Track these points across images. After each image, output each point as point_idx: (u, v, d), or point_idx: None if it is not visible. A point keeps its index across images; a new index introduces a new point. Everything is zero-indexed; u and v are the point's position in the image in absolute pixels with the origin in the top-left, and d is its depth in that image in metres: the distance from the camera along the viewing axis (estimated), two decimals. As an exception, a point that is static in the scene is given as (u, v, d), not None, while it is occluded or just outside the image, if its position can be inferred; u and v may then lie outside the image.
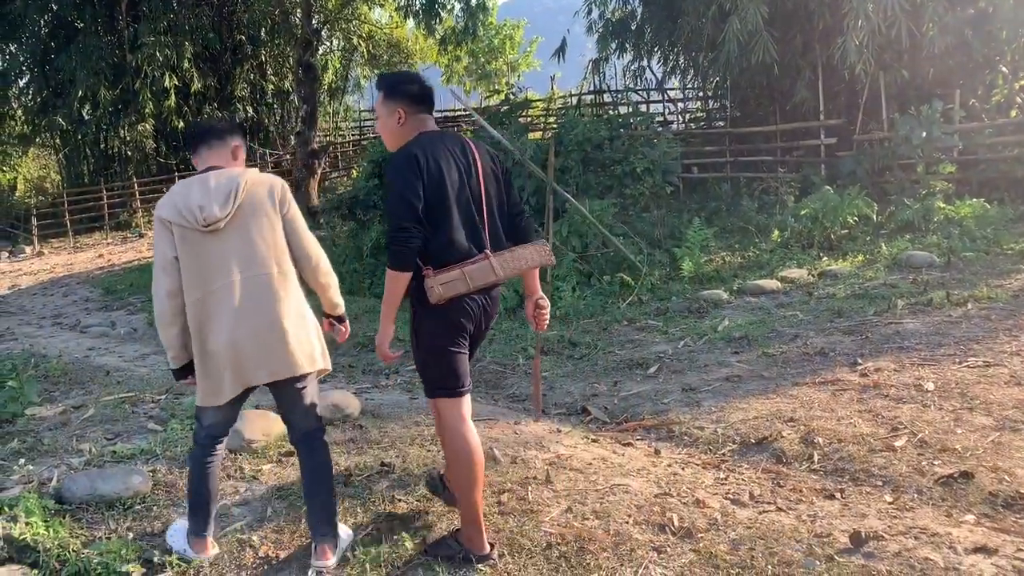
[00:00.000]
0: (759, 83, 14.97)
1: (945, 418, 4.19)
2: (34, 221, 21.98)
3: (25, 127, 24.51)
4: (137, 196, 23.24)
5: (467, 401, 3.01)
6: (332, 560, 2.97)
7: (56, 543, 3.15)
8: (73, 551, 3.09)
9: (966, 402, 4.38)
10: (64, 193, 23.53)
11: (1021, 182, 10.90)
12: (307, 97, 19.16)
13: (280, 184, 3.07)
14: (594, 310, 8.51)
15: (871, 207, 10.43)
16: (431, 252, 2.80)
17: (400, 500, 3.50)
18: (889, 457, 3.78)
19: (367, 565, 2.94)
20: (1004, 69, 12.72)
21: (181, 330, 2.96)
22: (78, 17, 22.91)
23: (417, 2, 18.49)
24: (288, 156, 25.46)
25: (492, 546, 2.99)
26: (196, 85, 22.85)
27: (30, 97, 24.10)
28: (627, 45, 18.36)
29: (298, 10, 20.87)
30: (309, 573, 2.97)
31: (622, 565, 2.87)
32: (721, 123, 17.61)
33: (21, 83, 24.15)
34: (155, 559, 3.09)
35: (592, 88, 20.57)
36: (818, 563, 2.84)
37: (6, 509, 3.42)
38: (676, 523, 3.17)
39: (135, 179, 23.42)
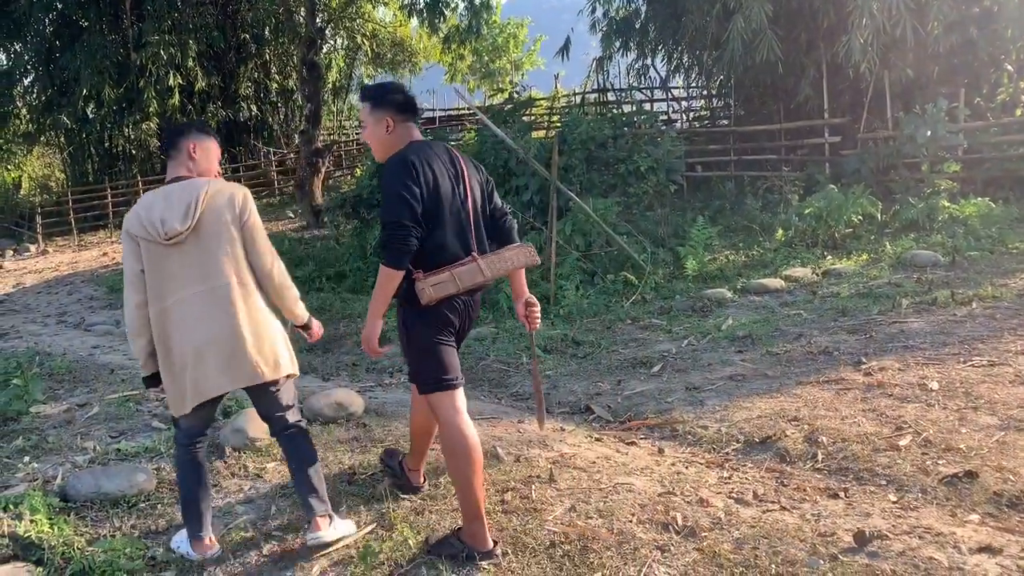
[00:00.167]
0: (763, 81, 14.94)
1: (949, 417, 4.18)
2: (39, 219, 22.01)
3: (30, 126, 24.53)
4: (141, 195, 23.17)
5: (461, 395, 3.05)
6: (325, 532, 3.04)
7: (61, 541, 3.16)
8: (77, 549, 3.11)
9: (971, 401, 4.37)
10: (68, 192, 23.57)
11: (1026, 181, 10.89)
12: (311, 96, 19.16)
13: (242, 194, 3.10)
14: (598, 309, 8.51)
15: (875, 206, 10.41)
16: (423, 255, 2.90)
17: (404, 498, 3.50)
18: (893, 456, 3.78)
19: (370, 563, 2.94)
20: (1009, 67, 12.70)
21: (148, 341, 3.03)
22: (83, 16, 22.94)
23: (421, 0, 18.46)
24: (292, 155, 25.49)
25: (495, 543, 3.00)
26: (200, 84, 22.86)
27: (35, 96, 24.12)
28: (631, 43, 18.35)
29: (302, 9, 20.83)
30: (307, 543, 3.05)
31: (626, 564, 2.87)
32: (725, 121, 17.59)
33: (26, 82, 24.17)
34: (159, 557, 3.10)
35: (596, 86, 20.55)
36: (822, 562, 2.83)
37: (11, 507, 3.43)
38: (680, 522, 3.17)
39: (139, 178, 23.43)
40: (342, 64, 26.82)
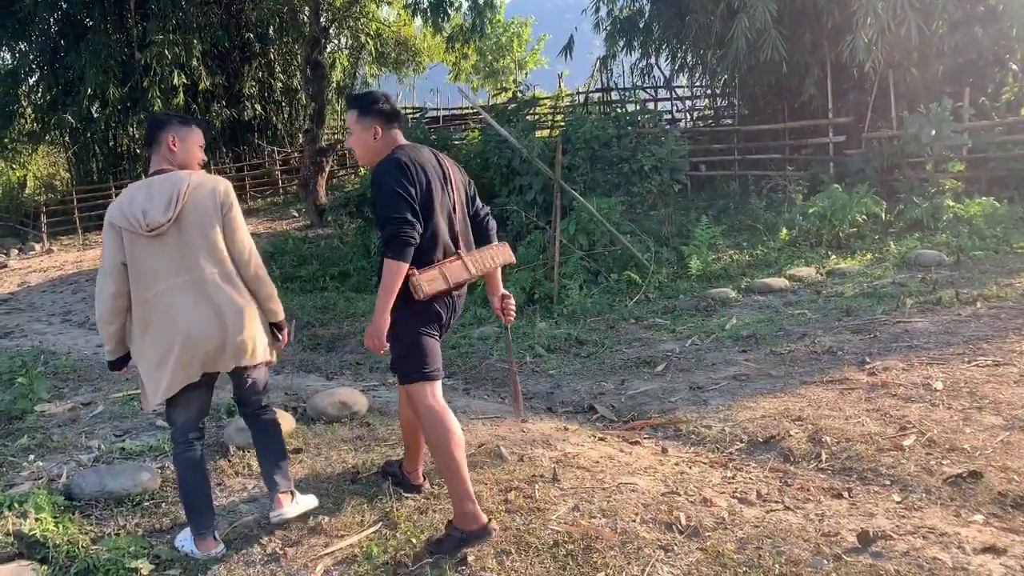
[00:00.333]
0: (767, 81, 14.91)
1: (954, 417, 4.17)
2: (43, 219, 22.04)
3: (35, 125, 24.58)
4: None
5: (439, 387, 3.18)
6: (288, 508, 3.21)
7: (65, 539, 3.17)
8: (82, 547, 3.12)
9: (975, 401, 4.37)
10: (73, 191, 23.60)
11: (1031, 181, 10.86)
12: (315, 95, 19.16)
13: (224, 187, 3.19)
14: (601, 308, 8.50)
15: (880, 205, 10.39)
16: (417, 252, 3.00)
17: (407, 497, 3.50)
18: (897, 456, 3.77)
19: (374, 563, 2.95)
20: (1015, 67, 12.66)
21: (119, 327, 3.12)
22: (87, 15, 22.96)
23: (425, 0, 18.45)
24: (296, 154, 25.50)
25: (489, 519, 3.09)
26: (204, 83, 22.88)
27: (40, 95, 24.16)
28: (635, 43, 18.32)
29: (306, 8, 20.84)
30: (271, 520, 3.21)
31: (629, 563, 2.87)
32: (729, 121, 17.58)
33: (31, 81, 24.19)
34: (164, 555, 3.10)
35: (600, 86, 20.53)
36: (826, 562, 2.83)
37: (16, 505, 3.44)
38: (683, 522, 3.17)
39: (144, 177, 23.46)
40: (346, 63, 26.81)
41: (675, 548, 2.97)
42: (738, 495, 3.48)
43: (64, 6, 22.91)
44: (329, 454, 4.15)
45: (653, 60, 19.17)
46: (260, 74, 26.26)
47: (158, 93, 21.48)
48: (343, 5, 23.09)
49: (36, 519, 3.28)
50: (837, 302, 7.31)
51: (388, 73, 27.55)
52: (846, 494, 3.45)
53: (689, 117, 20.18)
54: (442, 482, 3.63)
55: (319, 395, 5.05)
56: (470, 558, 2.93)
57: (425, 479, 3.62)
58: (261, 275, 3.24)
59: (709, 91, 19.77)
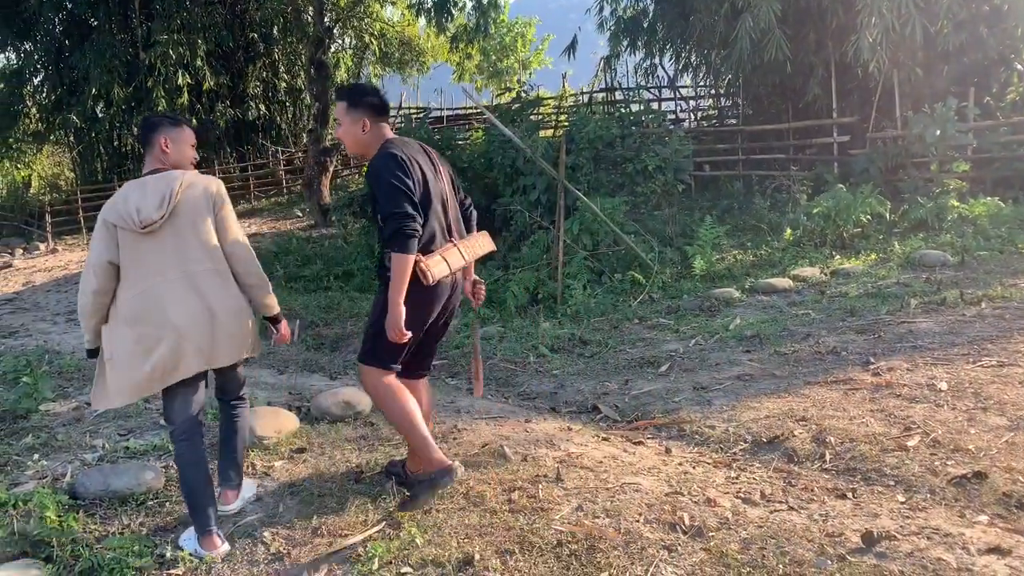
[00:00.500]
0: (772, 81, 14.91)
1: (958, 418, 4.16)
2: (48, 218, 22.09)
3: (39, 125, 24.64)
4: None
5: (392, 375, 3.33)
6: (233, 505, 3.43)
7: (70, 538, 3.17)
8: (86, 546, 3.12)
9: (980, 402, 4.35)
10: (78, 190, 23.64)
11: (1036, 180, 10.84)
12: (319, 95, 19.17)
13: (216, 186, 3.29)
14: (605, 308, 8.50)
15: (884, 205, 10.38)
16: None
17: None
18: (902, 457, 3.76)
19: (378, 562, 2.95)
20: (1020, 67, 12.64)
21: (99, 321, 3.19)
22: (92, 15, 23.03)
23: (429, 0, 18.45)
24: (300, 154, 25.52)
25: (400, 463, 3.44)
26: (209, 83, 22.92)
27: (44, 95, 24.22)
28: (639, 43, 18.31)
29: (310, 8, 20.88)
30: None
31: (632, 563, 2.87)
32: (733, 121, 17.56)
33: (36, 81, 24.25)
34: (168, 554, 3.11)
35: (603, 86, 20.54)
36: (830, 563, 2.82)
37: (20, 504, 3.45)
38: (687, 522, 3.16)
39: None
40: (350, 63, 26.83)
41: (679, 548, 2.97)
42: (742, 495, 3.48)
43: (69, 6, 22.96)
44: (333, 454, 4.15)
45: (657, 60, 19.17)
46: (264, 74, 26.30)
47: (162, 93, 21.52)
48: (347, 5, 23.12)
49: (40, 518, 3.29)
50: (841, 302, 7.30)
51: (392, 73, 27.56)
52: (850, 494, 3.45)
53: (693, 117, 20.17)
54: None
55: (323, 395, 5.06)
56: (476, 557, 2.93)
57: None
58: (254, 270, 3.32)
59: (713, 91, 19.75)
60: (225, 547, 3.12)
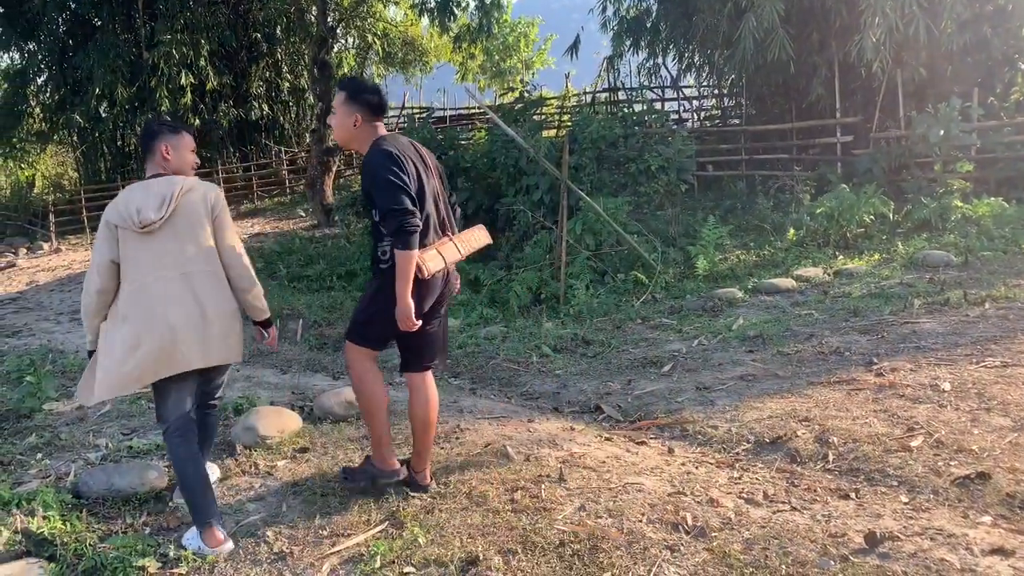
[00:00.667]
0: (775, 81, 14.89)
1: (962, 418, 4.15)
2: (52, 218, 22.10)
3: (43, 124, 24.65)
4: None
5: (376, 355, 3.49)
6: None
7: (73, 537, 3.18)
8: (90, 545, 3.13)
9: (983, 402, 4.35)
10: (81, 190, 23.66)
11: (1040, 181, 10.81)
12: (322, 95, 19.16)
13: (215, 193, 3.41)
14: (608, 308, 8.50)
15: (887, 206, 10.36)
16: None
17: (414, 497, 3.50)
18: (905, 457, 3.76)
19: (380, 562, 2.95)
20: (1024, 66, 12.61)
21: (101, 320, 3.30)
22: (96, 15, 23.04)
23: (432, 0, 18.45)
24: (303, 153, 25.53)
25: (402, 463, 3.56)
26: (212, 83, 22.93)
27: (48, 95, 24.24)
28: (642, 42, 18.31)
29: (313, 8, 20.89)
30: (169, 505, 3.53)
31: (635, 563, 2.87)
32: (736, 121, 17.55)
33: (39, 81, 24.26)
34: (171, 554, 3.11)
35: (606, 86, 20.53)
36: (833, 563, 2.82)
37: (24, 503, 3.46)
38: (690, 522, 3.16)
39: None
40: (353, 63, 26.83)
41: (681, 548, 2.97)
42: (745, 495, 3.48)
43: (72, 6, 22.99)
44: (336, 453, 4.15)
45: (660, 60, 19.18)
46: (267, 74, 26.32)
47: (166, 93, 21.55)
48: (350, 5, 23.14)
49: (44, 517, 3.30)
50: (844, 302, 7.29)
51: (395, 73, 27.58)
52: (853, 495, 3.44)
53: (696, 117, 20.15)
54: (448, 480, 3.64)
55: (326, 394, 5.06)
56: (479, 556, 2.93)
57: (432, 479, 3.62)
58: (249, 275, 3.42)
59: (716, 91, 19.72)
60: (229, 545, 3.12)
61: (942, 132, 11.18)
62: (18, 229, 23.16)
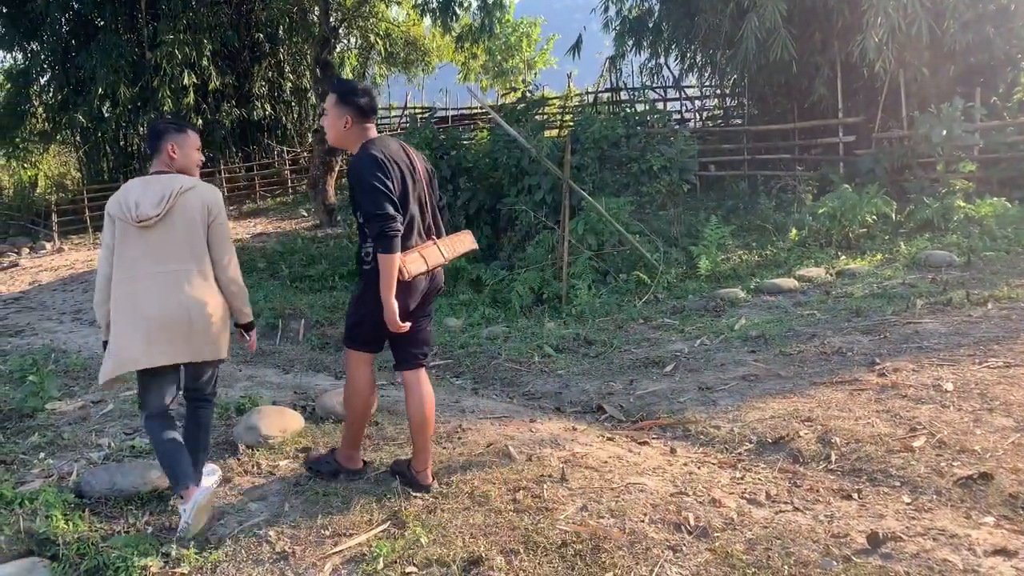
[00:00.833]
0: (777, 81, 14.88)
1: (964, 419, 4.15)
2: (54, 217, 22.14)
3: (46, 124, 24.69)
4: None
5: (372, 359, 3.57)
6: (187, 504, 3.41)
7: (75, 536, 3.18)
8: (92, 545, 3.13)
9: (986, 403, 4.34)
10: (84, 190, 23.69)
11: (1042, 181, 10.79)
12: (324, 95, 19.08)
13: (214, 196, 3.49)
14: (610, 308, 8.50)
15: (890, 206, 10.35)
16: None
17: (416, 496, 3.50)
18: (907, 458, 3.75)
19: (383, 562, 2.95)
20: (1026, 66, 12.59)
21: (109, 309, 3.41)
22: (99, 15, 23.06)
23: (434, 0, 18.45)
24: (306, 153, 25.54)
25: (366, 464, 3.78)
26: (214, 83, 22.96)
27: (51, 95, 24.26)
28: (644, 42, 18.30)
29: (316, 8, 20.88)
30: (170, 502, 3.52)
31: (637, 564, 2.87)
32: (739, 121, 17.54)
33: (42, 81, 24.29)
34: (173, 553, 3.11)
35: (609, 86, 20.52)
36: (835, 563, 2.82)
37: (27, 503, 3.46)
38: (692, 522, 3.16)
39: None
40: (355, 63, 26.84)
41: (684, 548, 2.97)
42: (747, 496, 3.47)
43: (75, 6, 23.01)
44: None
45: (662, 60, 19.16)
46: (270, 74, 26.33)
47: (168, 93, 21.57)
48: (353, 5, 23.13)
49: (46, 517, 3.30)
50: (847, 303, 7.29)
51: (397, 73, 27.58)
52: (856, 495, 3.44)
53: (698, 117, 20.15)
54: (450, 480, 3.64)
55: (328, 394, 5.06)
56: (481, 556, 2.93)
57: (434, 479, 3.63)
58: (237, 279, 3.54)
59: (718, 91, 19.70)
60: (201, 487, 3.30)
61: (945, 132, 11.16)
62: (21, 229, 23.20)
